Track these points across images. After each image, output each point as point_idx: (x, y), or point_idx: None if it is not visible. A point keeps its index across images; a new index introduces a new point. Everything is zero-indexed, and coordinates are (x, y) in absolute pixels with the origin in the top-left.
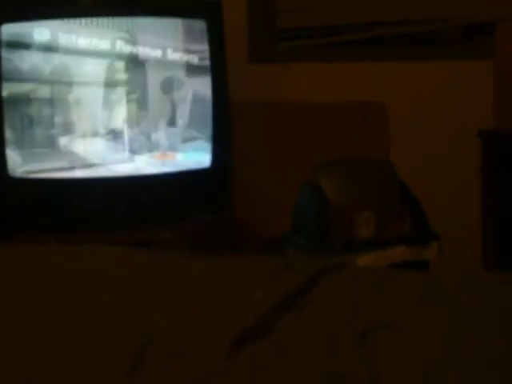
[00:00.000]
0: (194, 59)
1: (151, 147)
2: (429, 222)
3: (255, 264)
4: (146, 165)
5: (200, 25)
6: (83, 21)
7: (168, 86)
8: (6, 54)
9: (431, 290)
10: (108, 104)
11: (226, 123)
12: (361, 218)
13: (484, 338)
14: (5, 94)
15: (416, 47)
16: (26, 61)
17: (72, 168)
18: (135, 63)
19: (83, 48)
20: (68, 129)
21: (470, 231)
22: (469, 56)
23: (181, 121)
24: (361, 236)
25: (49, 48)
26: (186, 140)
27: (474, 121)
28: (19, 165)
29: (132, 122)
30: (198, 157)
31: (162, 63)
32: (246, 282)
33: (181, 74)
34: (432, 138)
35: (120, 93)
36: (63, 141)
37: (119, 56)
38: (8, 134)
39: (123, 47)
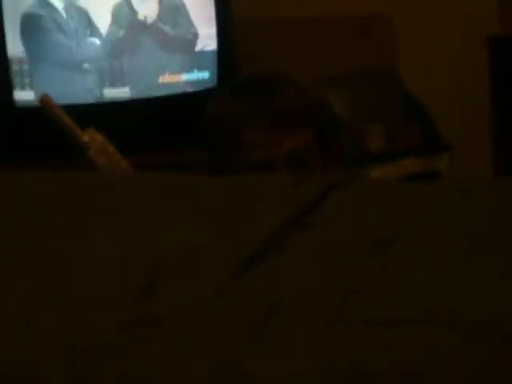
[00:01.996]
0: None
1: (154, 69)
2: (439, 132)
3: (263, 182)
4: (148, 88)
5: None
6: None
7: None
8: None
9: (443, 202)
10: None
11: (230, 40)
12: (370, 131)
13: (496, 248)
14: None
15: None
16: None
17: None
18: None
19: None
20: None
21: (481, 139)
22: None
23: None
24: (371, 149)
25: None
26: (190, 61)
27: (482, 28)
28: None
29: (131, 47)
30: (202, 77)
31: None
32: (254, 201)
33: None
34: (439, 47)
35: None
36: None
37: None
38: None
39: None
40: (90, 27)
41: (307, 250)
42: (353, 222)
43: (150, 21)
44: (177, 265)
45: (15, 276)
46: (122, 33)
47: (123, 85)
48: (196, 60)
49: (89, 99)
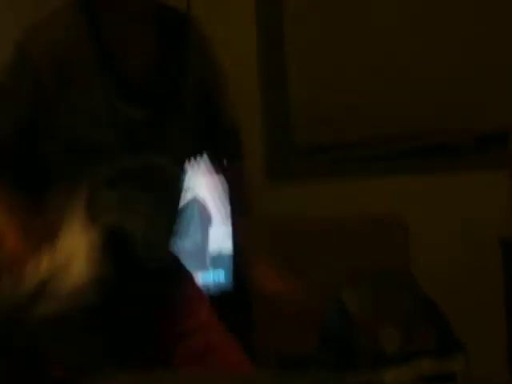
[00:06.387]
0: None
1: None
2: (454, 332)
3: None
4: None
5: None
6: None
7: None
8: None
9: None
10: None
11: None
12: (386, 332)
13: None
14: None
15: (432, 160)
16: None
17: None
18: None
19: None
20: None
21: (496, 339)
22: (485, 166)
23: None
24: (387, 351)
25: None
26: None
27: (495, 230)
28: None
29: None
30: (218, 279)
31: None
32: None
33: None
34: (453, 248)
35: None
36: None
37: None
38: None
39: None
40: None
41: None
42: None
43: None
44: None
45: None
46: None
47: None
48: (212, 260)
49: None
